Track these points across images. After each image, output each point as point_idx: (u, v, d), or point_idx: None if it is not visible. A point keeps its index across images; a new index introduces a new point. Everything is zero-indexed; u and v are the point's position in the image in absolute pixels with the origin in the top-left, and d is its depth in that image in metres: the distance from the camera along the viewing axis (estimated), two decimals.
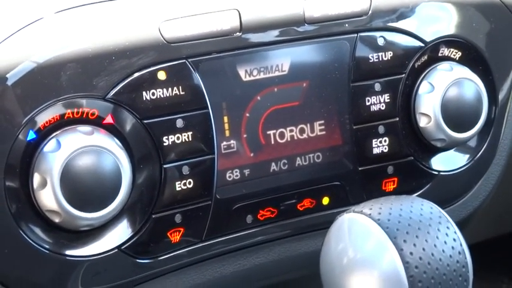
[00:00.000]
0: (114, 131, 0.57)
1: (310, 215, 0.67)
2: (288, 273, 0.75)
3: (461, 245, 0.51)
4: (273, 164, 0.65)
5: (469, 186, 0.77)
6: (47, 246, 0.56)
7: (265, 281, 0.74)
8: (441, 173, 0.73)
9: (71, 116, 0.56)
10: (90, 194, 0.55)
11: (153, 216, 0.59)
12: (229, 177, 0.63)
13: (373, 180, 0.69)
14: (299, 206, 0.67)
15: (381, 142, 0.69)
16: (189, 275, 0.65)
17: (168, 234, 0.60)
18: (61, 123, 0.56)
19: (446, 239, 0.50)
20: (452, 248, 0.51)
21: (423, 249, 0.51)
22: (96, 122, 0.56)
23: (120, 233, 0.59)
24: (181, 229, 0.61)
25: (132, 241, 0.59)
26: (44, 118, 0.55)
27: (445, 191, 0.75)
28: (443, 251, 0.52)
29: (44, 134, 0.55)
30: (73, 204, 0.54)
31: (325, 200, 0.68)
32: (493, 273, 1.48)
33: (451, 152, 0.75)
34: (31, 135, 0.55)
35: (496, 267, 1.46)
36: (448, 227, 0.51)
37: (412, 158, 0.70)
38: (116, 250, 0.58)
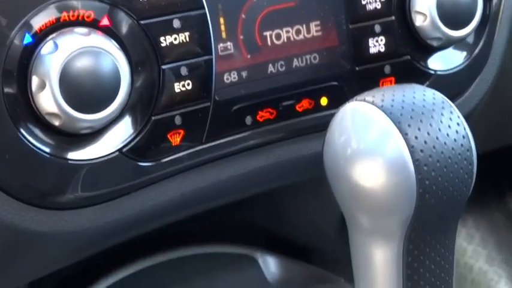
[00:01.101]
0: (110, 33, 0.58)
1: (309, 116, 0.70)
2: (288, 177, 0.79)
3: (465, 129, 0.54)
4: (270, 65, 0.67)
5: (465, 86, 0.80)
6: (48, 150, 0.58)
7: (265, 185, 0.78)
8: (438, 72, 0.76)
9: (67, 19, 0.57)
10: (89, 95, 0.57)
11: (153, 118, 0.61)
12: (227, 79, 0.65)
13: (371, 80, 0.72)
14: (298, 107, 0.69)
15: (377, 41, 0.72)
16: (189, 178, 0.68)
17: (168, 136, 0.63)
18: (57, 26, 0.57)
19: (450, 123, 0.53)
20: (457, 132, 0.53)
21: (428, 133, 0.53)
22: (93, 25, 0.57)
23: (121, 135, 0.61)
24: (181, 131, 0.64)
25: (132, 143, 0.61)
26: (39, 21, 0.56)
27: (442, 91, 0.78)
28: (447, 134, 0.54)
29: (41, 37, 0.56)
30: (72, 105, 0.56)
31: (324, 101, 0.71)
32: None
33: (448, 50, 0.78)
34: (27, 38, 0.56)
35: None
36: (451, 112, 0.54)
37: (409, 57, 0.73)
38: (117, 153, 0.60)
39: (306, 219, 1.08)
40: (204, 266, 0.97)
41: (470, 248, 1.51)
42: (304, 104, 0.70)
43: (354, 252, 0.62)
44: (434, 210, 0.56)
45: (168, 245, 0.97)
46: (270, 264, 0.96)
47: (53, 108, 0.56)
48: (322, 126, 0.65)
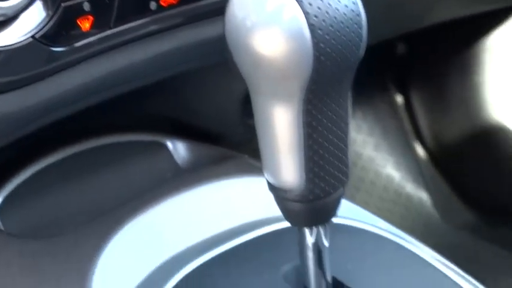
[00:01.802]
0: None
1: (211, 0, 0.75)
2: (193, 61, 0.85)
3: None
4: None
5: None
6: None
7: (171, 69, 0.83)
8: None
9: None
10: None
11: (62, 4, 0.65)
12: None
13: None
14: None
15: None
16: (100, 63, 0.73)
17: (78, 21, 0.67)
18: None
19: None
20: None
21: (321, 0, 0.59)
22: None
23: (33, 21, 0.65)
24: (90, 17, 0.68)
25: (45, 29, 0.66)
26: None
27: None
28: (339, 1, 0.59)
29: None
30: None
31: None
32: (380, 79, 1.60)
33: None
34: None
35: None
36: None
37: None
38: (31, 39, 0.65)
39: (211, 105, 1.09)
40: (114, 155, 0.98)
41: (360, 137, 1.62)
42: None
43: (257, 118, 0.64)
44: (330, 71, 0.60)
45: (76, 138, 0.98)
46: (179, 149, 0.98)
47: None
48: (223, 10, 0.70)
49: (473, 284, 0.80)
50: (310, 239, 0.67)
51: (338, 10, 0.59)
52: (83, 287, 0.78)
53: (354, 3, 0.60)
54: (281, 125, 0.61)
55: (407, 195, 1.64)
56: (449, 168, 1.64)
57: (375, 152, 1.63)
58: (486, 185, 1.60)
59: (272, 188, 0.65)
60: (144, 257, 0.80)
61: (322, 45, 0.57)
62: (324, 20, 0.58)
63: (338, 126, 0.62)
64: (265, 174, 0.65)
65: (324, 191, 0.62)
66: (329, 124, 0.61)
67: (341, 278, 0.74)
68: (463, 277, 0.80)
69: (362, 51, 0.62)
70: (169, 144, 0.97)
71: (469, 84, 1.57)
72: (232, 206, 0.85)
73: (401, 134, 1.66)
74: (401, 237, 0.83)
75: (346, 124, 0.63)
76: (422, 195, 1.63)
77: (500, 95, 1.57)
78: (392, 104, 1.69)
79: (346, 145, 0.63)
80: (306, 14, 0.58)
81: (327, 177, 0.62)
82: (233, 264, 0.77)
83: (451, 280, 0.78)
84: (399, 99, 1.69)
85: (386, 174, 1.64)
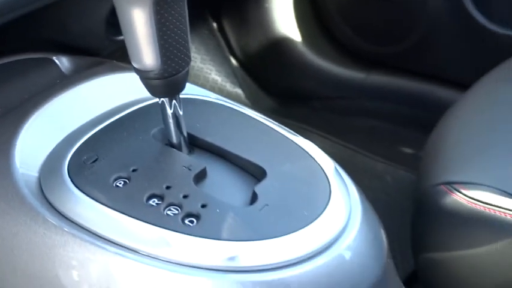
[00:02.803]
0: None
1: None
2: None
3: None
4: None
5: None
6: None
7: None
8: None
9: None
10: None
11: None
12: None
13: None
14: None
15: None
16: None
17: None
18: None
19: None
20: None
21: None
22: None
23: None
24: None
25: None
26: None
27: None
28: None
29: None
30: None
31: None
32: None
33: None
34: None
35: None
36: None
37: None
38: None
39: (84, 25, 1.05)
40: (11, 72, 0.93)
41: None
42: None
43: (121, 20, 0.66)
44: None
45: None
46: (64, 62, 0.96)
47: None
48: None
49: (290, 132, 0.81)
50: (169, 110, 0.71)
51: None
52: (7, 156, 0.76)
53: None
54: (140, 23, 0.64)
55: (228, 91, 1.75)
56: (255, 71, 1.77)
57: (201, 64, 1.74)
58: (281, 80, 1.75)
59: (138, 71, 0.68)
60: (52, 134, 0.80)
61: None
62: None
63: (180, 24, 0.66)
64: (132, 62, 0.68)
65: (175, 69, 0.66)
66: (174, 21, 0.64)
67: (193, 133, 0.77)
68: (281, 127, 0.82)
69: None
70: (55, 60, 0.96)
71: (263, 9, 1.67)
72: (110, 94, 0.86)
73: (219, 50, 1.78)
74: (231, 103, 0.85)
75: (186, 24, 0.66)
76: (238, 91, 1.75)
77: (285, 16, 1.68)
78: (211, 29, 1.80)
79: (187, 38, 0.67)
80: None
81: (176, 59, 0.66)
82: (116, 132, 0.79)
83: (275, 131, 0.80)
84: (215, 24, 1.79)
85: (212, 78, 1.75)
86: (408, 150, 1.54)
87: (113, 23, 1.01)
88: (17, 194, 0.71)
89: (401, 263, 0.91)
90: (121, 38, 0.94)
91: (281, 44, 1.68)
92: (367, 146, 1.56)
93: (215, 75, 1.75)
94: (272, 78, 1.75)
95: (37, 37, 0.97)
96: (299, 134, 0.81)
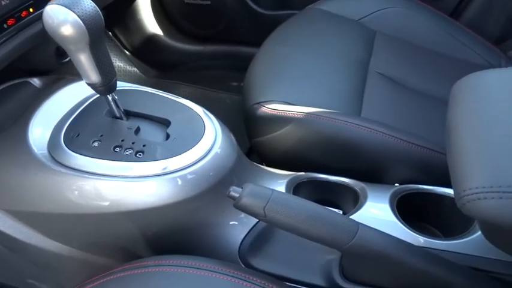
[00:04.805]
0: None
1: None
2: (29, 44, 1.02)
3: None
4: None
5: None
6: None
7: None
8: None
9: None
10: None
11: None
12: None
13: None
14: None
15: None
16: None
17: None
18: None
19: None
20: None
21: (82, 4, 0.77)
22: None
23: None
24: None
25: None
26: None
27: None
28: (89, 3, 0.76)
29: None
30: None
31: None
32: None
33: None
34: None
35: None
36: None
37: None
38: None
39: (42, 57, 1.23)
40: (3, 96, 1.10)
41: None
42: None
43: (72, 59, 0.81)
44: (95, 36, 0.81)
45: None
46: (37, 83, 1.17)
47: None
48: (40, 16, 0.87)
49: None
50: (111, 100, 0.97)
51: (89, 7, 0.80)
52: (25, 129, 0.95)
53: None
54: (84, 59, 0.85)
55: (128, 70, 2.22)
56: (141, 55, 2.30)
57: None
58: (156, 57, 2.29)
59: (88, 84, 0.91)
60: (48, 123, 1.00)
61: (89, 26, 0.82)
62: (86, 15, 0.80)
63: (105, 53, 0.88)
64: (84, 80, 0.90)
65: (109, 80, 0.90)
66: (101, 53, 0.86)
67: (126, 108, 0.97)
68: (169, 94, 1.04)
69: (102, 27, 0.80)
70: (31, 81, 1.17)
71: (137, 19, 2.20)
72: (74, 95, 1.08)
73: (117, 48, 2.26)
74: (141, 88, 1.07)
75: (108, 52, 0.88)
76: (134, 69, 2.26)
77: (150, 19, 2.19)
78: (108, 36, 2.25)
79: (111, 60, 0.89)
80: (77, 14, 0.79)
81: (108, 74, 0.88)
82: (84, 116, 1.01)
83: (167, 97, 1.03)
84: (110, 33, 2.27)
85: (117, 65, 2.22)
86: (236, 83, 2.17)
87: (60, 53, 1.27)
88: (35, 158, 0.95)
89: (243, 145, 1.22)
90: (66, 60, 1.29)
91: (151, 36, 2.21)
92: (213, 85, 2.13)
93: (119, 63, 2.21)
94: (152, 57, 2.25)
95: (16, 70, 1.16)
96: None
